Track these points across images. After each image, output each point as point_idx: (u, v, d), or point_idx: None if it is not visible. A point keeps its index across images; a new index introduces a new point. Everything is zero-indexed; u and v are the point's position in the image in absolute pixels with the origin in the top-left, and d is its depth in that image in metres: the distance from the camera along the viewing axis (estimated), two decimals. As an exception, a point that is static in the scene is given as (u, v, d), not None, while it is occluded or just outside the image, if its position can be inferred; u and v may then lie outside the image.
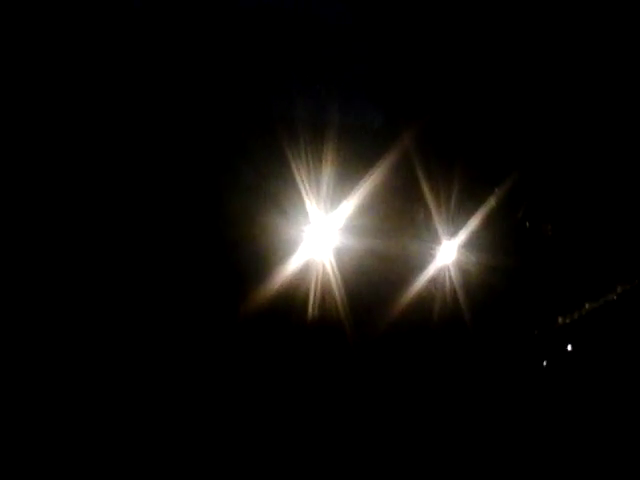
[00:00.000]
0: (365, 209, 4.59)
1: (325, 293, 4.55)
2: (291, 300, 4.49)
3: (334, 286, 4.54)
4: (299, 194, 4.54)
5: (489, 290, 4.65)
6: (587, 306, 4.65)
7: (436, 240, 4.74)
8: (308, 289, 4.52)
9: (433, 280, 4.70)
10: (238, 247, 4.49)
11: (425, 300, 4.67)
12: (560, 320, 4.69)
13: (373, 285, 4.63)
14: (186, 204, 4.58)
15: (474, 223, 4.70)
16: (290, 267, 4.50)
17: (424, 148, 4.71)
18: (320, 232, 4.57)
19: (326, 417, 4.46)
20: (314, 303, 4.52)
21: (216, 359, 4.48)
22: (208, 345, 4.48)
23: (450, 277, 4.72)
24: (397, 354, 4.61)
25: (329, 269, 4.56)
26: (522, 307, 4.73)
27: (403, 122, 4.73)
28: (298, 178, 4.54)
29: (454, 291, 4.69)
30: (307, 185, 4.54)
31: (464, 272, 4.72)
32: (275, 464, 4.21)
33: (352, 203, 4.55)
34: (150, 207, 4.56)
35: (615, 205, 4.74)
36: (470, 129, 4.80)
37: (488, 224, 4.71)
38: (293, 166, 4.54)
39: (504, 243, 4.74)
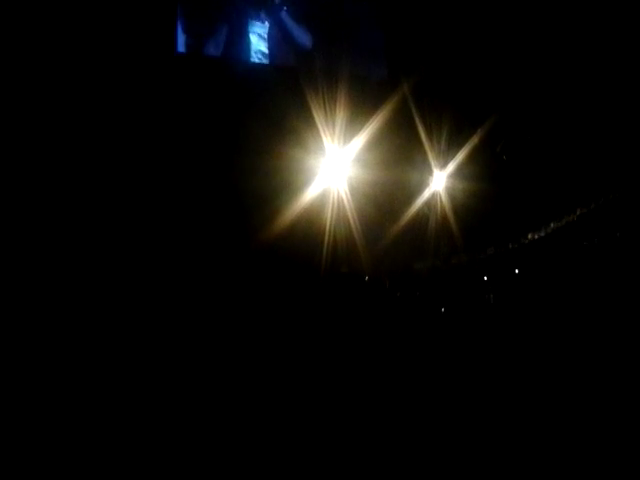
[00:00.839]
0: (372, 145, 5.51)
1: (339, 212, 5.50)
2: (312, 216, 5.43)
3: (347, 206, 5.49)
4: (318, 132, 5.49)
5: (472, 211, 5.65)
6: (552, 225, 5.65)
7: (429, 170, 5.74)
8: (326, 208, 5.47)
9: (427, 203, 5.69)
10: (269, 174, 5.42)
11: (420, 219, 5.66)
12: (530, 236, 5.68)
13: (378, 206, 5.59)
14: (224, 138, 5.43)
15: (461, 156, 5.69)
16: (311, 191, 5.45)
17: (420, 95, 5.67)
18: (335, 163, 5.52)
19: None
20: (331, 219, 5.46)
21: (240, 277, 5.03)
22: (234, 263, 5.09)
23: (441, 200, 5.71)
24: (396, 262, 5.55)
25: (343, 193, 5.53)
26: (499, 224, 5.72)
27: (402, 74, 5.71)
28: (317, 119, 5.49)
29: (444, 212, 5.68)
30: (325, 125, 5.50)
31: (452, 197, 5.72)
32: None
33: (361, 140, 5.48)
34: (189, 140, 5.26)
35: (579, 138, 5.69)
36: (458, 80, 5.75)
37: (472, 157, 5.70)
38: (313, 109, 5.50)
39: (485, 172, 5.72)
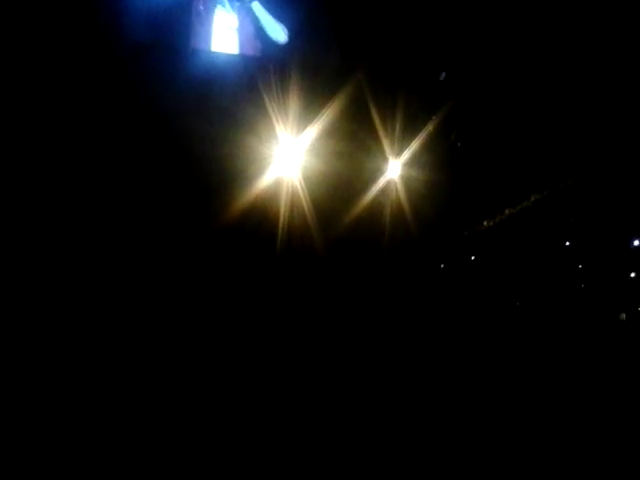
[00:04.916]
0: (326, 133, 5.42)
1: (294, 203, 5.45)
2: (265, 208, 5.38)
3: (301, 197, 5.45)
4: (271, 120, 5.44)
5: (427, 199, 5.64)
6: (507, 211, 5.68)
7: (384, 159, 5.70)
8: (279, 200, 5.41)
9: (382, 191, 5.66)
10: (220, 164, 5.33)
11: (376, 207, 5.63)
12: (485, 223, 5.70)
13: (333, 196, 5.54)
14: (171, 129, 5.35)
15: (416, 144, 5.66)
16: (264, 181, 5.38)
17: (374, 83, 5.61)
18: (288, 152, 5.42)
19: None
20: (285, 211, 5.41)
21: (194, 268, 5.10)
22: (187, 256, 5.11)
23: (396, 189, 5.68)
24: (353, 250, 5.54)
25: (297, 183, 5.47)
26: (453, 212, 5.74)
27: (357, 61, 5.64)
28: (270, 107, 5.42)
29: (399, 200, 5.66)
30: (277, 113, 5.43)
31: (407, 185, 5.69)
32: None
33: (315, 128, 5.39)
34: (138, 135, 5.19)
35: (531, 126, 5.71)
36: (412, 66, 5.70)
37: (427, 145, 5.67)
38: (266, 97, 5.42)
39: (440, 161, 5.71)
